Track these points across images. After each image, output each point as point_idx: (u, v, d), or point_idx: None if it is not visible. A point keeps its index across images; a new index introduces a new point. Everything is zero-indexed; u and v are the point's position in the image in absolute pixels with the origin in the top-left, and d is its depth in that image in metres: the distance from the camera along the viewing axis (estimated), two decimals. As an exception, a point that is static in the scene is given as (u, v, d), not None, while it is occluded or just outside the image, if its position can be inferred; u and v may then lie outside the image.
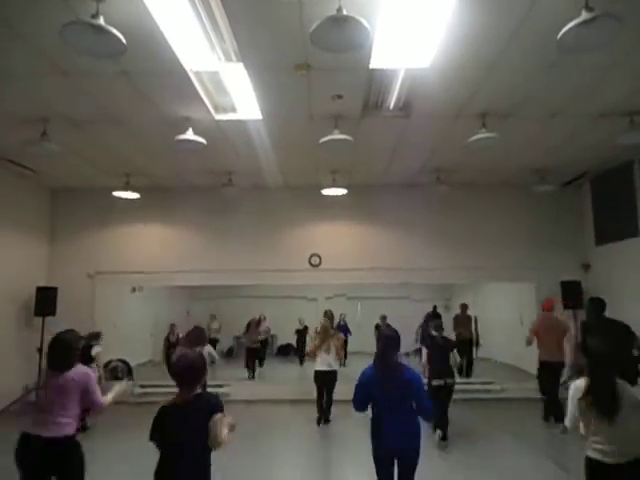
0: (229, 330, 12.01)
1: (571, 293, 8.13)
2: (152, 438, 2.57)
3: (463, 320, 9.88)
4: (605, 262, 8.14)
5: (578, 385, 2.88)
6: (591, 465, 2.78)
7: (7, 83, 4.67)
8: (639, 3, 3.48)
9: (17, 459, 3.00)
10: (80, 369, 3.18)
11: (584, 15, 3.07)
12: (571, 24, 3.13)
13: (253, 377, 9.75)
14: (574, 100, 5.19)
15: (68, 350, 3.19)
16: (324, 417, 6.90)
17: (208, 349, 6.32)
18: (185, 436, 2.50)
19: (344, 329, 11.34)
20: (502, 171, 7.95)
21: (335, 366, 6.83)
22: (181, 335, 9.53)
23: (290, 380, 9.71)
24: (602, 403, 2.72)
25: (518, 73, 4.59)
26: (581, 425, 2.86)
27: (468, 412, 7.26)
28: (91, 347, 6.84)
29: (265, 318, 11.42)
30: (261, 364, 11.01)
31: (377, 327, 9.91)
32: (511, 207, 8.73)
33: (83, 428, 6.39)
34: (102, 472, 5.07)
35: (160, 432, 2.56)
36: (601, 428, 2.73)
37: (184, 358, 2.71)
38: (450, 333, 9.94)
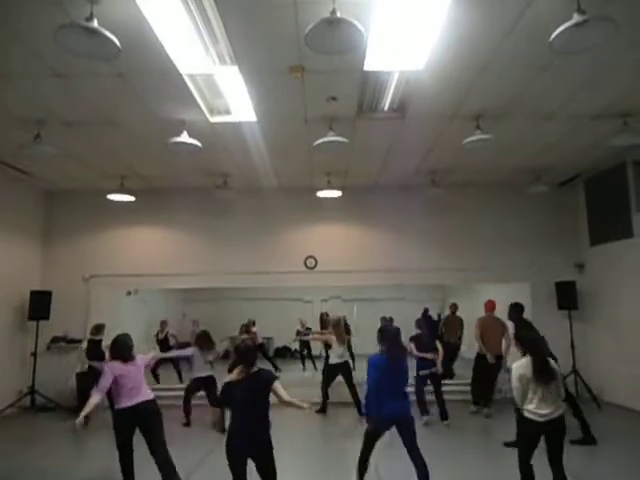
0: (225, 333, 11.95)
1: (566, 293, 8.18)
2: (222, 403, 3.64)
3: (453, 323, 9.42)
4: (599, 263, 8.19)
5: (519, 364, 3.76)
6: (534, 425, 3.66)
7: (2, 85, 4.65)
8: (632, 5, 3.52)
9: (123, 424, 4.12)
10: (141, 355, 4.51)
11: (576, 18, 3.10)
12: (563, 27, 3.16)
13: None
14: (568, 101, 5.22)
15: (128, 346, 4.38)
16: (357, 410, 7.17)
17: (212, 353, 6.82)
18: (251, 399, 3.35)
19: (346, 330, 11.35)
20: (496, 172, 7.99)
21: (346, 357, 7.43)
22: (171, 332, 9.57)
23: (288, 383, 9.67)
24: (543, 372, 3.65)
25: (512, 74, 4.62)
26: (519, 396, 3.73)
27: (467, 412, 7.33)
28: (100, 342, 6.92)
29: (254, 323, 11.13)
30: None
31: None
32: (506, 208, 8.76)
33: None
34: (97, 467, 5.13)
35: (231, 398, 3.41)
36: (540, 394, 3.63)
37: (244, 344, 3.63)
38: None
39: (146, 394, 4.25)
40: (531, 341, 3.85)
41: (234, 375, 3.47)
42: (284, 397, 3.39)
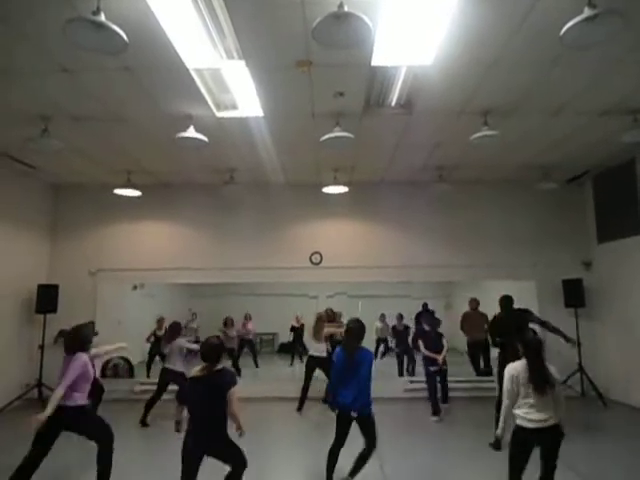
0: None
1: (573, 291, 8.13)
2: (182, 399, 3.57)
3: (475, 319, 8.70)
4: (607, 260, 8.14)
5: (513, 365, 3.62)
6: (522, 432, 3.48)
7: (9, 80, 4.66)
8: (642, 0, 3.47)
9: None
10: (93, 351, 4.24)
11: (587, 12, 3.07)
12: (574, 21, 3.13)
13: None
14: (577, 97, 5.17)
15: (76, 338, 4.23)
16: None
17: (179, 342, 6.66)
18: (208, 397, 3.37)
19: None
20: (504, 168, 7.94)
21: (324, 353, 7.41)
22: None
23: (283, 377, 9.68)
24: (539, 380, 3.46)
25: (521, 70, 4.58)
26: (508, 397, 3.57)
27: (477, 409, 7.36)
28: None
29: (250, 317, 11.05)
30: (235, 365, 9.77)
31: (393, 328, 9.97)
32: (513, 205, 8.72)
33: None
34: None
35: (190, 394, 3.45)
36: (531, 399, 3.46)
37: (208, 342, 3.57)
38: (456, 332, 9.73)
39: (66, 398, 3.88)
40: (529, 343, 3.63)
41: (197, 371, 3.49)
42: (232, 406, 3.39)
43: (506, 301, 6.21)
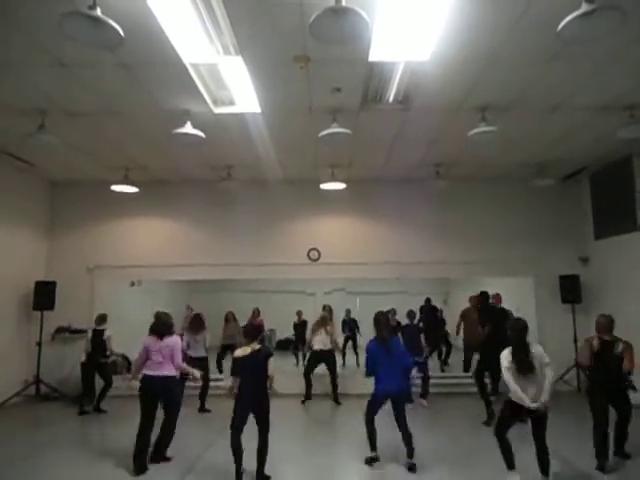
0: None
1: (570, 287, 8.16)
2: (233, 373, 4.40)
3: (475, 316, 7.88)
4: (604, 256, 8.15)
5: (504, 354, 4.13)
6: (511, 405, 4.09)
7: (5, 75, 4.65)
8: (640, -5, 3.47)
9: (143, 390, 4.83)
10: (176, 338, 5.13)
11: (584, 7, 3.06)
12: (571, 16, 3.13)
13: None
14: (574, 93, 5.17)
15: (166, 325, 5.04)
16: (333, 397, 7.54)
17: (206, 334, 7.14)
18: (254, 370, 4.35)
19: (350, 326, 11.27)
20: (501, 165, 7.94)
21: (330, 346, 7.62)
22: None
23: (286, 375, 9.69)
24: (521, 365, 3.98)
25: (518, 66, 4.58)
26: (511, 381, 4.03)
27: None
28: (102, 332, 7.09)
29: (259, 312, 11.08)
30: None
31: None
32: (510, 201, 8.73)
33: (99, 410, 7.04)
34: (101, 452, 5.17)
35: (239, 369, 4.36)
36: (523, 382, 3.97)
37: (250, 324, 5.16)
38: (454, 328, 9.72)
39: (167, 370, 4.81)
40: (510, 331, 4.23)
41: (240, 351, 4.39)
42: (269, 370, 4.36)
43: (487, 295, 6.77)
